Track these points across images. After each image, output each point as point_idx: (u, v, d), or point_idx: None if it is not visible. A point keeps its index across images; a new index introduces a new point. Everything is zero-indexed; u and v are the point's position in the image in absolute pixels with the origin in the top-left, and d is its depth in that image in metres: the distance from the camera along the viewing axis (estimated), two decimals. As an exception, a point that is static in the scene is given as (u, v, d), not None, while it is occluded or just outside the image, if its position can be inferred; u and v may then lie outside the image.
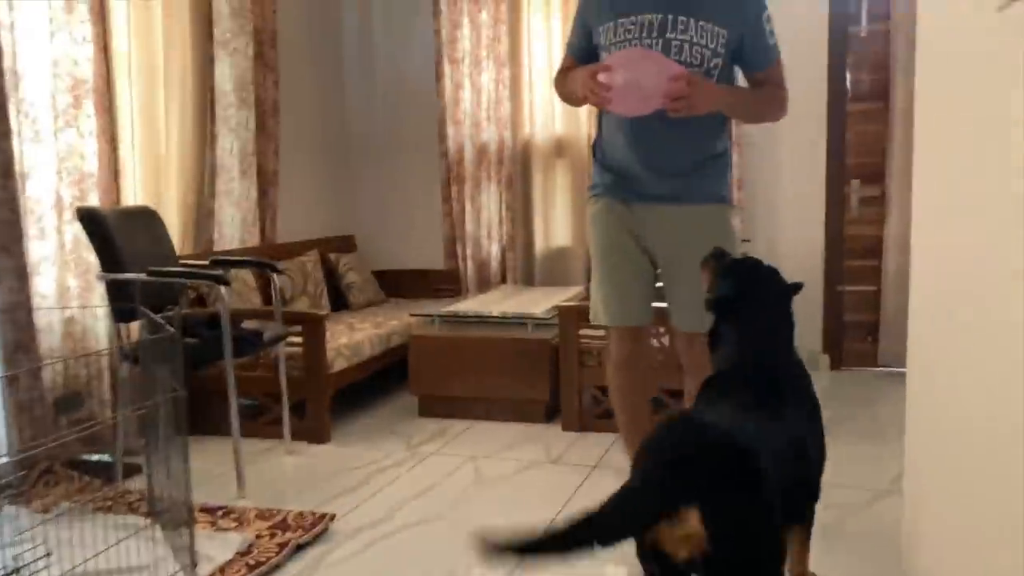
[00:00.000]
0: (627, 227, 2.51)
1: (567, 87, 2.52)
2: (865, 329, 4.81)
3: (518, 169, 5.09)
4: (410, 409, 4.09)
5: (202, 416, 3.35)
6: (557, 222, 5.13)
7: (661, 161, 2.43)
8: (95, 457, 3.25)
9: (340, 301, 4.91)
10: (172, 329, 2.10)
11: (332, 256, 4.97)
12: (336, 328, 4.12)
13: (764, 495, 1.38)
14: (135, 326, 3.17)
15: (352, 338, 3.91)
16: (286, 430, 3.53)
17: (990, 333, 1.23)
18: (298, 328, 3.58)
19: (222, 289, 2.91)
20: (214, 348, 2.92)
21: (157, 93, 3.76)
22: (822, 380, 4.68)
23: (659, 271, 2.56)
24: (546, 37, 4.98)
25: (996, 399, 1.20)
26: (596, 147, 2.60)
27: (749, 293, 1.95)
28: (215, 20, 4.03)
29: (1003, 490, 1.18)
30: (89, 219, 3.02)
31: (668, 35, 2.31)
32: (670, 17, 2.30)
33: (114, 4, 3.49)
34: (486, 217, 5.12)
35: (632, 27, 2.32)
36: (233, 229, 4.24)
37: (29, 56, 3.12)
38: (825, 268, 4.79)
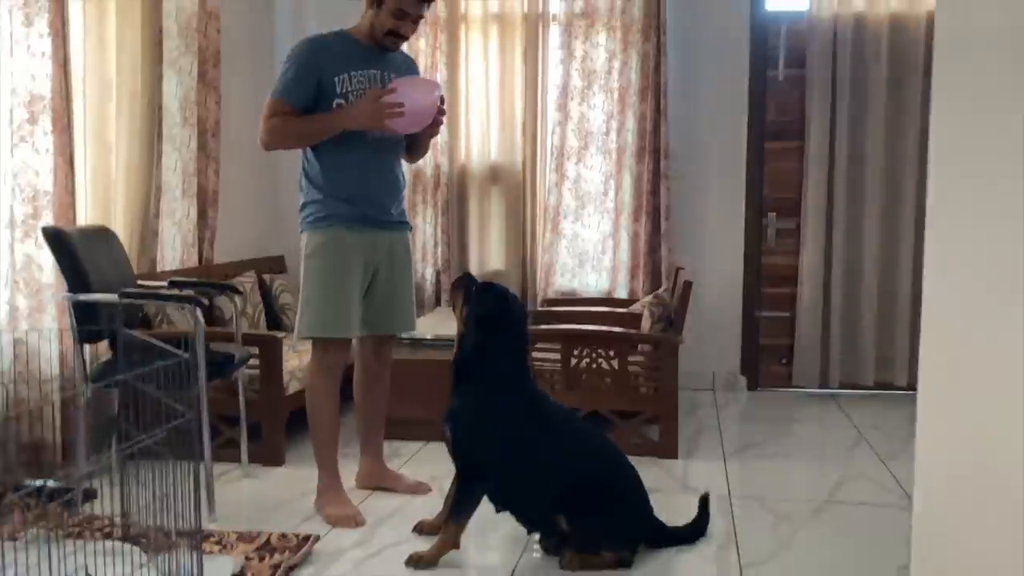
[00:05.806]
0: (359, 251, 2.99)
1: (300, 127, 2.91)
2: (780, 352, 5.14)
3: (454, 194, 5.19)
4: (359, 431, 4.10)
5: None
6: (491, 246, 5.25)
7: (394, 189, 3.06)
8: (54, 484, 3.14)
9: (273, 323, 4.87)
10: (185, 355, 2.11)
11: (266, 277, 4.93)
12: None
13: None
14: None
15: (303, 360, 3.91)
16: (244, 453, 3.50)
17: (1003, 345, 1.38)
18: (255, 350, 3.58)
19: (198, 311, 2.90)
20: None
21: (108, 110, 3.68)
22: (740, 400, 4.96)
23: (370, 287, 3.08)
24: (483, 65, 5.12)
25: (1008, 412, 1.37)
26: (313, 180, 2.99)
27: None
28: (164, 37, 3.97)
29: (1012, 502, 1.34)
30: (56, 239, 2.95)
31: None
32: (384, 73, 2.98)
33: (72, 17, 3.41)
34: (421, 240, 5.20)
35: (362, 78, 2.94)
36: (174, 250, 4.17)
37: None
38: (744, 294, 5.09)
